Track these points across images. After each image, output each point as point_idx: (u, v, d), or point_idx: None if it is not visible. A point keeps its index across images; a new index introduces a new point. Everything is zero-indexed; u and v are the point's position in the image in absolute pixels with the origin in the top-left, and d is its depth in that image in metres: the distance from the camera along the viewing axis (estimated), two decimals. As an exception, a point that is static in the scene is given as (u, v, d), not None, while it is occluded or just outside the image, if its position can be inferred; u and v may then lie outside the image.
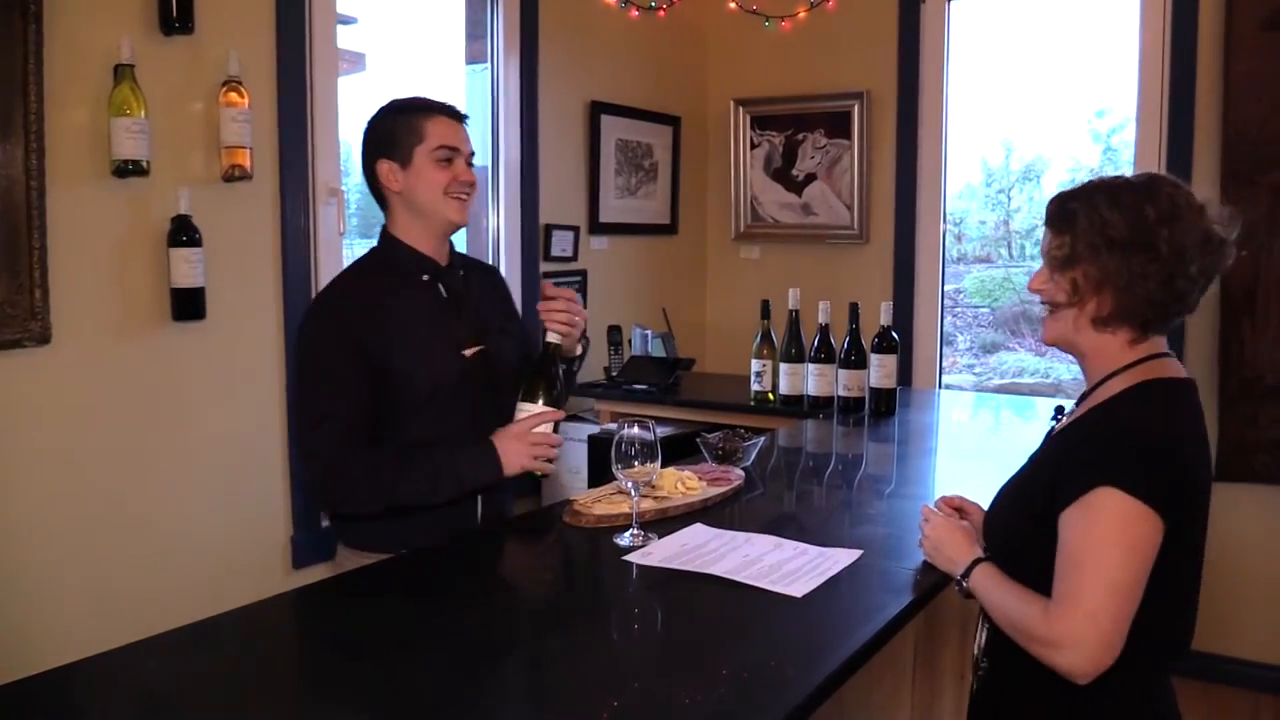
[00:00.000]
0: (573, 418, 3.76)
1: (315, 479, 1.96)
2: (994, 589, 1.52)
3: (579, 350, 2.20)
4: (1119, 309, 1.50)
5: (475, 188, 2.08)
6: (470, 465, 1.97)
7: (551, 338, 2.05)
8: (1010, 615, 1.47)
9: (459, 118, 2.07)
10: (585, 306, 3.93)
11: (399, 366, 1.96)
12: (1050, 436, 1.65)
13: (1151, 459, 1.39)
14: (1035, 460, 1.61)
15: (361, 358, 1.94)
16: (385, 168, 2.02)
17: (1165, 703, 1.54)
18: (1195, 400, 1.52)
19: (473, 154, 2.08)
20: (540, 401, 2.01)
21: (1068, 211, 1.53)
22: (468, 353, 2.05)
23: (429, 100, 2.06)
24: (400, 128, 2.01)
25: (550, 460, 2.02)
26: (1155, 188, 1.49)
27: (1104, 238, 1.47)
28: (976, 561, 1.57)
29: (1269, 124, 3.35)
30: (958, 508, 1.80)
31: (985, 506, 1.75)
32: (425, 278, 2.06)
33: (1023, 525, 1.52)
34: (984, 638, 1.63)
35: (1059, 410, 1.70)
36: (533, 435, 1.99)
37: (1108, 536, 1.36)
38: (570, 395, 2.34)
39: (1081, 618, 1.35)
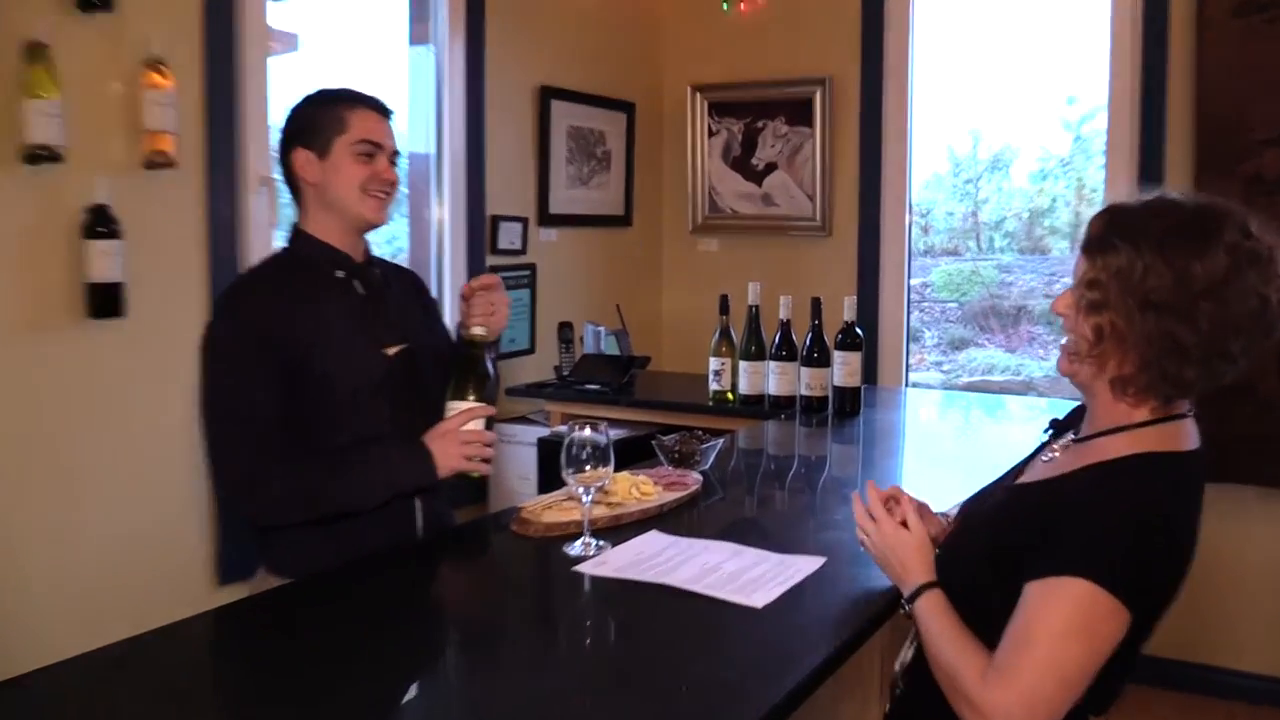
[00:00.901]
0: (521, 419, 3.75)
1: (231, 489, 1.91)
2: (937, 621, 1.47)
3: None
4: (1141, 381, 1.40)
5: (395, 187, 2.06)
6: (403, 467, 1.94)
7: (476, 331, 2.03)
8: (946, 659, 1.43)
9: (385, 113, 2.05)
10: (534, 302, 3.94)
11: (317, 367, 1.93)
12: (1029, 472, 1.58)
13: (1138, 554, 1.34)
14: (1012, 502, 1.54)
15: (276, 357, 1.90)
16: (302, 157, 1.99)
17: None
18: (1199, 476, 1.45)
19: (397, 153, 2.06)
20: (470, 398, 1.99)
21: (1108, 244, 1.39)
22: (390, 351, 2.02)
23: (355, 92, 2.04)
24: (322, 116, 1.99)
25: (486, 460, 2.00)
26: (1215, 235, 1.34)
27: (1138, 295, 1.35)
28: (929, 585, 1.52)
29: (1242, 112, 3.42)
30: (914, 510, 1.65)
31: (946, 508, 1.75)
32: (340, 274, 2.03)
33: (985, 574, 1.46)
34: (909, 656, 1.60)
35: (1054, 425, 1.65)
36: (463, 433, 1.97)
37: (1070, 626, 1.31)
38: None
39: (1016, 698, 1.31)
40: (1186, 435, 1.45)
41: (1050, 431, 1.64)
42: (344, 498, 1.91)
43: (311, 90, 2.05)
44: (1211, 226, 1.36)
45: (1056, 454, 1.55)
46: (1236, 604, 3.64)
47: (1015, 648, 1.34)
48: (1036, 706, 1.31)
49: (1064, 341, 1.51)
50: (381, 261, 2.20)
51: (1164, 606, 1.44)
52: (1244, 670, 3.66)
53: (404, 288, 2.19)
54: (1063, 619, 1.32)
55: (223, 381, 1.91)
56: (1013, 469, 1.66)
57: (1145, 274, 1.35)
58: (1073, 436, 1.56)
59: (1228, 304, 1.33)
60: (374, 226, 2.06)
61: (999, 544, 1.46)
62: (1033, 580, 1.36)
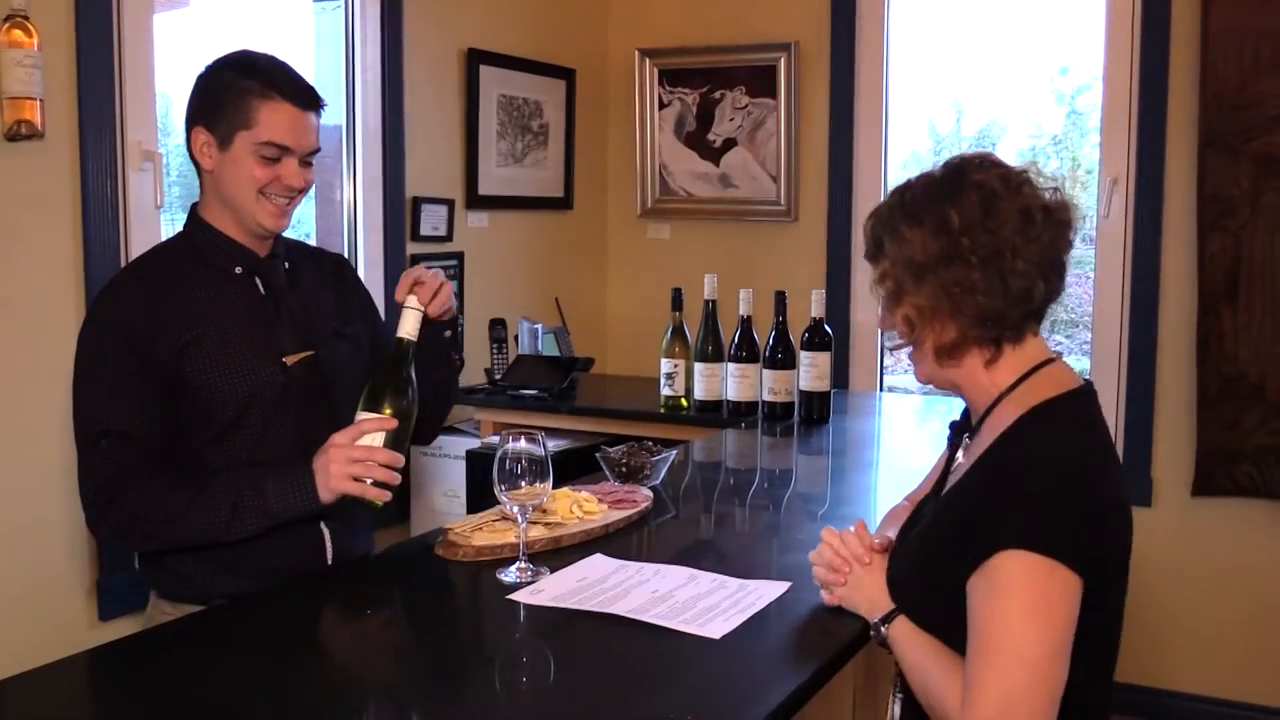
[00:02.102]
0: (448, 429, 3.73)
1: (89, 505, 1.91)
2: (913, 646, 1.54)
3: (448, 333, 2.15)
4: (961, 335, 1.56)
5: (305, 191, 2.03)
6: (277, 489, 1.88)
7: (405, 332, 1.94)
8: (928, 687, 1.50)
9: (310, 105, 2.00)
10: (462, 296, 3.93)
11: (197, 377, 1.92)
12: (946, 486, 1.66)
13: (1053, 505, 1.42)
14: (932, 522, 1.62)
15: (151, 363, 1.89)
16: (201, 139, 1.97)
17: None
18: (1094, 413, 1.57)
19: (316, 150, 2.03)
20: (386, 411, 1.90)
21: (875, 239, 1.62)
22: (289, 361, 2.00)
23: (278, 73, 1.97)
24: (230, 98, 1.93)
25: (387, 486, 1.89)
26: (959, 184, 1.54)
27: (913, 264, 1.55)
28: (896, 611, 1.58)
29: (1251, 85, 3.49)
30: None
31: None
32: (238, 270, 2.02)
33: (930, 592, 1.54)
34: (897, 711, 1.65)
35: (953, 427, 1.75)
36: (355, 449, 1.88)
37: (1015, 607, 1.38)
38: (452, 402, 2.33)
39: (994, 711, 1.36)
40: (1064, 377, 1.57)
41: (950, 439, 1.75)
42: (205, 526, 1.88)
43: (230, 54, 1.99)
44: (957, 176, 1.56)
45: (961, 460, 1.66)
46: (1254, 633, 3.68)
47: (973, 658, 1.41)
48: (1018, 708, 1.36)
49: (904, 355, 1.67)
50: (297, 247, 2.17)
51: (1116, 567, 1.51)
52: (1267, 705, 3.72)
53: (321, 280, 2.16)
54: (1005, 602, 1.39)
55: (84, 384, 1.93)
56: (935, 487, 1.74)
57: (912, 244, 1.55)
58: (968, 439, 1.67)
59: (993, 231, 1.51)
60: (271, 234, 2.04)
61: (933, 563, 1.54)
62: (967, 578, 1.44)
